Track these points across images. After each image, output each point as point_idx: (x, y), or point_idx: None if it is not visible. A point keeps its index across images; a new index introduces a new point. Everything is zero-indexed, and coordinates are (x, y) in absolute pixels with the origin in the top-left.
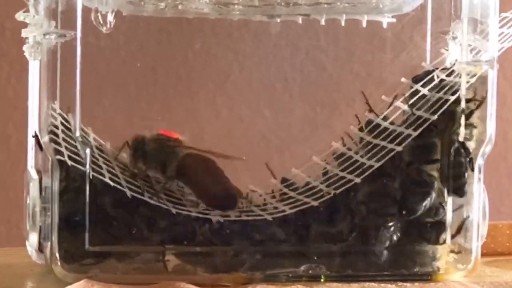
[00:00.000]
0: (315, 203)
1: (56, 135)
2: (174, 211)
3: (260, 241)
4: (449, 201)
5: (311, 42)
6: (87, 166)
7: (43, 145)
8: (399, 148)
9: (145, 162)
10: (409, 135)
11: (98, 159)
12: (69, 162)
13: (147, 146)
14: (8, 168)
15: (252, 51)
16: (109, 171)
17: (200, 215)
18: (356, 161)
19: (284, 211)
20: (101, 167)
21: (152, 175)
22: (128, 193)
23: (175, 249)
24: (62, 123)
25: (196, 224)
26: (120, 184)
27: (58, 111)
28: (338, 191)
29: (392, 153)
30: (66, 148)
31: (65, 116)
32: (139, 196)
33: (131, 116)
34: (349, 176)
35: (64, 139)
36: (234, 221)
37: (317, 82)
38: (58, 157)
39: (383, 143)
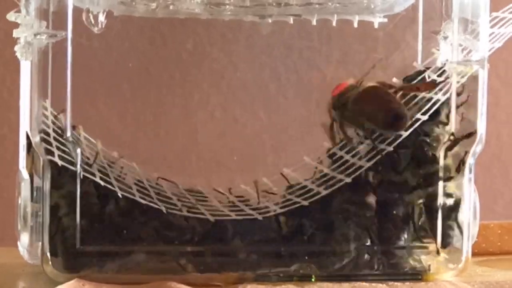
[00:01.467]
0: (305, 203)
1: (47, 135)
2: (164, 210)
3: (251, 240)
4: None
5: (305, 42)
6: (78, 166)
7: (33, 145)
8: (389, 148)
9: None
10: (399, 136)
11: (89, 159)
12: (60, 162)
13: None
14: (2, 169)
15: (246, 52)
16: (100, 171)
17: (191, 215)
18: (347, 160)
19: (274, 210)
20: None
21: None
22: (120, 193)
23: (166, 248)
24: (53, 123)
25: (188, 224)
26: (111, 184)
27: (49, 111)
28: (328, 191)
29: (383, 153)
30: (57, 148)
31: (56, 116)
32: (130, 196)
33: (124, 117)
34: (340, 176)
35: (55, 139)
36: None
37: (310, 83)
38: (49, 157)
39: (373, 144)
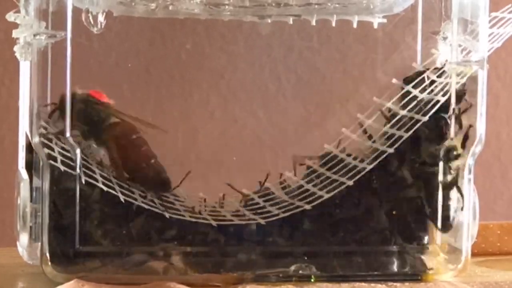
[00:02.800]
0: (308, 207)
1: (47, 135)
2: (167, 215)
3: (251, 241)
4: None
5: (304, 43)
6: (78, 166)
7: (33, 145)
8: (390, 150)
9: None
10: (400, 137)
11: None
12: (59, 162)
13: (74, 104)
14: (1, 169)
15: (246, 52)
16: (101, 174)
17: (193, 219)
18: (348, 163)
19: (277, 214)
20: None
21: (73, 135)
22: (122, 197)
23: (166, 249)
24: (52, 124)
25: (187, 225)
26: (112, 187)
27: (49, 111)
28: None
29: (384, 155)
30: (56, 148)
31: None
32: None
33: None
34: (341, 179)
35: (54, 140)
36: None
37: (310, 83)
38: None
39: (374, 145)
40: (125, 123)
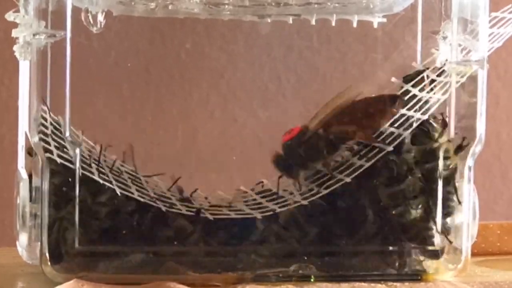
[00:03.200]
0: (305, 202)
1: (46, 135)
2: (164, 209)
3: (250, 241)
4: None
5: (304, 42)
6: (77, 165)
7: (32, 145)
8: (389, 148)
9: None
10: (399, 135)
11: (88, 158)
12: (59, 161)
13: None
14: (1, 169)
15: (245, 52)
16: (98, 170)
17: (190, 213)
18: (347, 160)
19: (274, 210)
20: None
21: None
22: (118, 191)
23: (166, 249)
24: (52, 123)
25: (186, 224)
26: (110, 182)
27: (48, 111)
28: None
29: (383, 153)
30: (56, 148)
31: (55, 116)
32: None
33: (123, 117)
34: (339, 176)
35: (54, 139)
36: (225, 221)
37: (310, 82)
38: (48, 155)
39: (373, 143)
40: None
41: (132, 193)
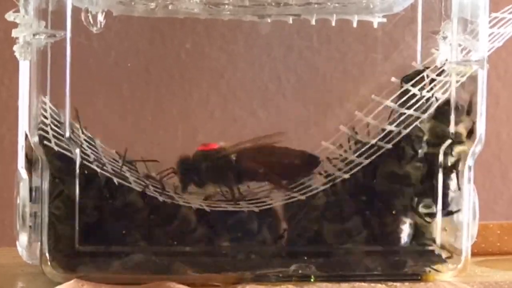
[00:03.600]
0: (302, 197)
1: (46, 134)
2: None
3: (250, 240)
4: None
5: (304, 42)
6: (77, 165)
7: (32, 145)
8: (388, 146)
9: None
10: (399, 133)
11: (89, 156)
12: (58, 162)
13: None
14: (1, 168)
15: (245, 52)
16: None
17: (188, 205)
18: (345, 158)
19: (270, 204)
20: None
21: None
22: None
23: (165, 249)
24: (52, 123)
25: (186, 224)
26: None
27: (48, 111)
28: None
29: (382, 151)
30: (56, 147)
31: (55, 116)
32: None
33: (123, 117)
34: (338, 173)
35: (54, 139)
36: (225, 222)
37: (310, 82)
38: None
39: (373, 141)
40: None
41: (130, 183)
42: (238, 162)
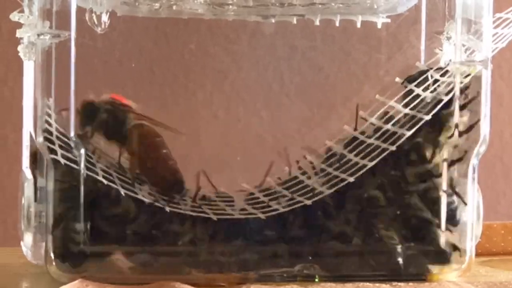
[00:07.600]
0: (308, 202)
1: (51, 135)
2: (168, 209)
3: (254, 240)
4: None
5: (308, 42)
6: (82, 165)
7: (37, 145)
8: (392, 148)
9: (94, 125)
10: (403, 135)
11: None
12: (63, 162)
13: (97, 109)
14: (5, 169)
15: (249, 52)
16: (102, 170)
17: (194, 213)
18: (350, 159)
19: (277, 209)
20: (95, 166)
21: (97, 139)
22: (122, 191)
23: (170, 249)
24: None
25: (191, 224)
26: (113, 182)
27: (53, 111)
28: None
29: (386, 153)
30: (60, 147)
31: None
32: (133, 194)
33: None
34: (343, 176)
35: (58, 139)
36: (229, 221)
37: (313, 83)
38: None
39: (376, 143)
40: (148, 125)
41: (136, 194)
42: (131, 130)
